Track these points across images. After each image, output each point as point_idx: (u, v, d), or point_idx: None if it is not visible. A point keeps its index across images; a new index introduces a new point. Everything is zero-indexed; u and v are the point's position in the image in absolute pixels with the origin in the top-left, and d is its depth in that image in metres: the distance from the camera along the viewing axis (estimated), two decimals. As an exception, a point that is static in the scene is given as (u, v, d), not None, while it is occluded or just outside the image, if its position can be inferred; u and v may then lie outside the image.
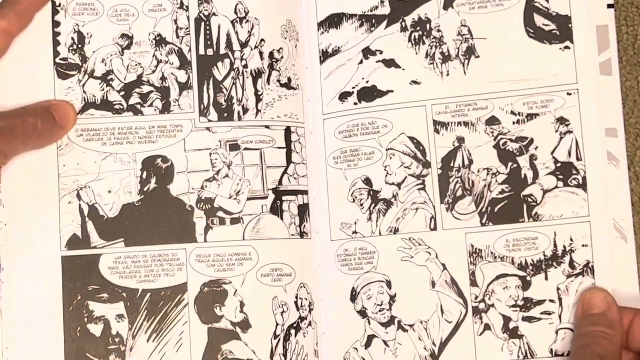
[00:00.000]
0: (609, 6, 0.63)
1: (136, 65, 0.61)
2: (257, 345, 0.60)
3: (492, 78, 0.61)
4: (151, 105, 0.61)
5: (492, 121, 0.61)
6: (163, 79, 0.61)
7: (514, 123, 0.61)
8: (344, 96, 0.63)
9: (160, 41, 0.61)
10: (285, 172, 0.62)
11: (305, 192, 0.63)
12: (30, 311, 0.58)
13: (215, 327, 0.60)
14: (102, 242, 0.60)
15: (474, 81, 0.61)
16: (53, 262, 0.59)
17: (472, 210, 0.61)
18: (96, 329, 0.59)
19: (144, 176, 0.61)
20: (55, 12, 0.61)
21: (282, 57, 0.63)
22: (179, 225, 0.60)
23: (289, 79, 0.63)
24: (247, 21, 0.62)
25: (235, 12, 0.62)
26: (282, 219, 0.62)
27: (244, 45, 0.62)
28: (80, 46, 0.61)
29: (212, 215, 0.61)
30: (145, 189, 0.60)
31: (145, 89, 0.61)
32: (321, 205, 0.63)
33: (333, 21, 0.63)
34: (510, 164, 0.61)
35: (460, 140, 0.61)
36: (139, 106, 0.61)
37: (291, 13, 0.63)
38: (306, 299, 0.62)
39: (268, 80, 0.62)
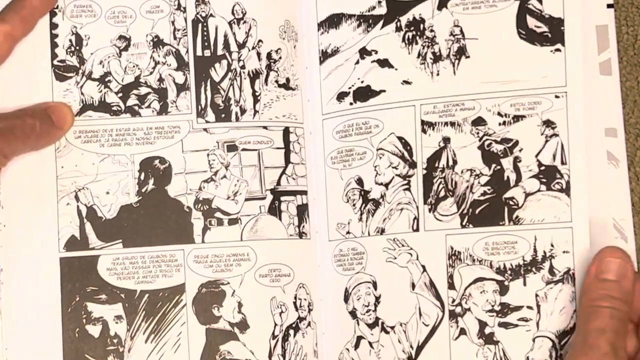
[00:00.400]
0: (609, 6, 0.62)
1: (133, 66, 0.61)
2: (255, 345, 0.60)
3: (481, 78, 0.61)
4: (149, 107, 0.61)
5: (478, 122, 0.61)
6: (160, 80, 0.61)
7: (499, 124, 0.60)
8: (341, 96, 0.63)
9: (157, 42, 0.61)
10: (283, 173, 0.62)
11: (304, 192, 0.63)
12: (29, 312, 0.59)
13: (213, 327, 0.60)
14: (100, 243, 0.60)
15: (462, 81, 0.61)
16: (51, 263, 0.59)
17: (454, 211, 0.60)
18: (94, 330, 0.59)
19: (142, 177, 0.61)
20: (52, 14, 0.61)
21: (280, 58, 0.63)
22: (177, 226, 0.60)
23: (287, 79, 0.63)
24: (245, 22, 0.62)
25: (233, 13, 0.62)
26: (280, 219, 0.62)
27: (241, 46, 0.62)
28: (77, 48, 0.61)
29: (210, 216, 0.61)
30: (143, 190, 0.61)
31: (143, 90, 0.61)
32: (320, 206, 0.63)
33: (332, 21, 0.63)
34: (493, 165, 0.60)
35: (446, 140, 0.61)
36: (136, 107, 0.61)
37: (289, 13, 0.63)
38: (305, 299, 0.62)
39: (266, 80, 0.62)
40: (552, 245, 0.59)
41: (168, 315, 0.60)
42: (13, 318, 0.59)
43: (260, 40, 0.62)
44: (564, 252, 0.59)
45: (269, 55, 0.62)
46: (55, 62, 0.61)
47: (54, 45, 0.61)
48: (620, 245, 0.61)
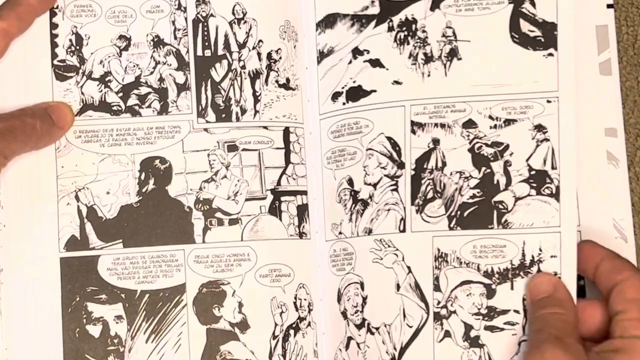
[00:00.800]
0: (609, 6, 0.63)
1: (134, 66, 0.61)
2: (255, 345, 0.60)
3: (473, 81, 0.60)
4: (149, 107, 0.61)
5: (469, 124, 0.60)
6: (161, 80, 0.61)
7: (490, 127, 0.60)
8: (335, 96, 0.62)
9: (157, 42, 0.61)
10: (283, 173, 0.62)
11: (304, 193, 0.63)
12: (29, 312, 0.59)
13: (213, 327, 0.60)
14: (101, 243, 0.60)
15: (454, 83, 0.60)
16: (52, 263, 0.59)
17: (442, 213, 0.60)
18: (95, 330, 0.59)
19: (142, 177, 0.61)
20: (52, 13, 0.61)
21: (281, 58, 0.63)
22: (177, 226, 0.60)
23: (288, 80, 0.63)
24: (245, 22, 0.62)
25: (233, 13, 0.62)
26: (280, 219, 0.62)
27: (241, 46, 0.62)
28: (78, 47, 0.61)
29: (210, 216, 0.61)
30: (144, 190, 0.61)
31: (143, 90, 0.61)
32: (318, 206, 0.63)
33: (329, 21, 0.63)
34: (483, 168, 0.60)
35: (436, 141, 0.60)
36: (136, 107, 0.61)
37: (290, 13, 0.63)
38: (305, 299, 0.62)
39: (266, 80, 0.62)
40: (540, 250, 0.59)
41: (168, 316, 0.60)
42: (13, 318, 0.59)
43: (260, 40, 0.62)
44: (551, 256, 0.58)
45: (269, 55, 0.62)
46: (55, 62, 0.61)
47: (54, 45, 0.61)
48: (620, 245, 0.61)
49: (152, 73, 0.61)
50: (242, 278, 0.60)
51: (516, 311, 0.59)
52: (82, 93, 0.61)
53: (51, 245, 0.59)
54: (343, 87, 0.62)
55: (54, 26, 0.61)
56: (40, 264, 0.59)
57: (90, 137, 0.60)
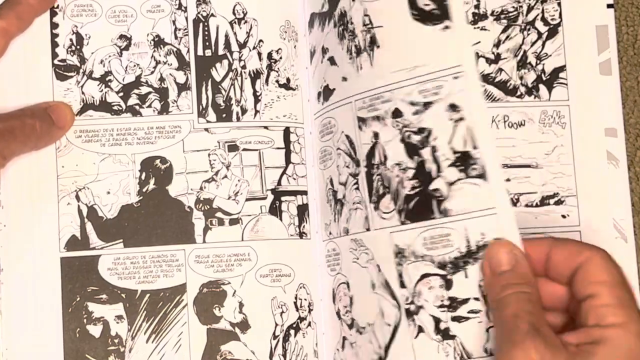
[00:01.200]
0: (609, 6, 0.63)
1: (134, 66, 0.61)
2: (256, 345, 0.60)
3: (391, 67, 0.58)
4: (150, 106, 0.61)
5: (397, 113, 0.58)
6: (161, 79, 0.61)
7: (413, 114, 0.57)
8: (318, 96, 0.62)
9: (158, 42, 0.61)
10: (284, 173, 0.62)
11: (304, 192, 0.63)
12: (29, 312, 0.59)
13: (214, 327, 0.60)
14: (101, 243, 0.60)
15: (378, 73, 0.58)
16: (52, 263, 0.59)
17: (392, 208, 0.58)
18: (95, 330, 0.59)
19: (143, 177, 0.61)
20: (53, 13, 0.61)
21: (281, 58, 0.63)
22: (178, 226, 0.60)
23: (288, 79, 0.63)
24: (245, 22, 0.62)
25: (234, 13, 0.62)
26: (280, 219, 0.62)
27: (242, 45, 0.62)
28: (78, 47, 0.61)
29: (211, 216, 0.61)
30: (144, 190, 0.60)
31: (144, 89, 0.61)
32: (317, 206, 0.63)
33: (311, 22, 0.63)
34: (415, 157, 0.57)
35: (376, 135, 0.58)
36: (137, 107, 0.61)
37: (290, 13, 0.63)
38: (305, 299, 0.62)
39: (266, 80, 0.62)
40: (482, 234, 0.56)
41: (169, 315, 0.60)
42: (13, 318, 0.58)
43: (261, 40, 0.62)
44: (495, 239, 0.55)
45: (269, 55, 0.62)
46: (55, 62, 0.61)
47: (54, 44, 0.61)
48: (620, 245, 0.61)
49: (152, 73, 0.61)
50: (243, 278, 0.60)
51: (476, 299, 0.56)
52: (83, 93, 0.61)
53: (51, 245, 0.59)
54: (321, 87, 0.62)
55: (54, 26, 0.61)
56: (41, 263, 0.59)
57: (90, 137, 0.60)
